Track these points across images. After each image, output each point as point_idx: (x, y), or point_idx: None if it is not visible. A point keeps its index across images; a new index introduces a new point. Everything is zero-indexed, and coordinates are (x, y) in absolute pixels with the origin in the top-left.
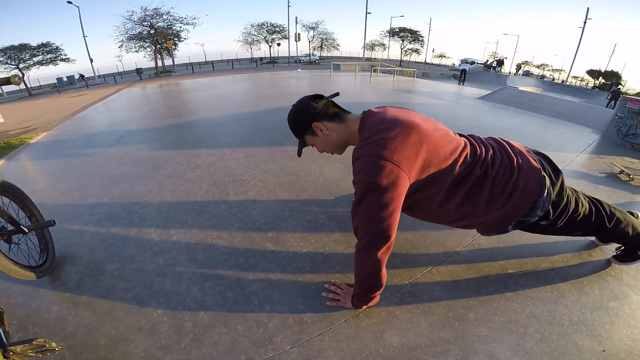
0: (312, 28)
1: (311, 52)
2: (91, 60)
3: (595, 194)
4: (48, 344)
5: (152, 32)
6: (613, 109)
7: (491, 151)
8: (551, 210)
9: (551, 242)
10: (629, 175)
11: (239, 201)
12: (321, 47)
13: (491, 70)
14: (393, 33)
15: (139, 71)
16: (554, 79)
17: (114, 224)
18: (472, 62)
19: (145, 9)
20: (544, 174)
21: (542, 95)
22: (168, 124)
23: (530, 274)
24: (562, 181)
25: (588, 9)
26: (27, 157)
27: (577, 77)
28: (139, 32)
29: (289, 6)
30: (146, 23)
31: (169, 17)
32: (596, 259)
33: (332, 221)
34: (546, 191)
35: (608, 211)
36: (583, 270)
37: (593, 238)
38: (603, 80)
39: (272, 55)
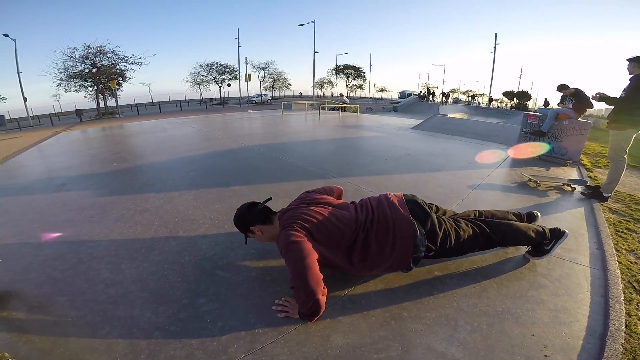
0: (263, 68)
1: (262, 92)
2: (25, 99)
3: (506, 203)
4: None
5: (94, 70)
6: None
7: (370, 214)
8: (430, 245)
9: None
10: (536, 182)
11: (188, 237)
12: (273, 86)
13: (424, 100)
14: (338, 70)
15: (78, 112)
16: (478, 103)
17: (61, 262)
18: (409, 94)
19: (89, 46)
20: (414, 221)
21: (465, 120)
22: (113, 170)
23: (454, 275)
24: (432, 221)
25: (496, 34)
26: None
27: (497, 100)
28: (80, 70)
29: (239, 47)
30: (88, 61)
31: (114, 56)
32: (511, 255)
33: None
34: (419, 232)
35: (494, 228)
36: (501, 267)
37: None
38: (517, 100)
39: (222, 96)
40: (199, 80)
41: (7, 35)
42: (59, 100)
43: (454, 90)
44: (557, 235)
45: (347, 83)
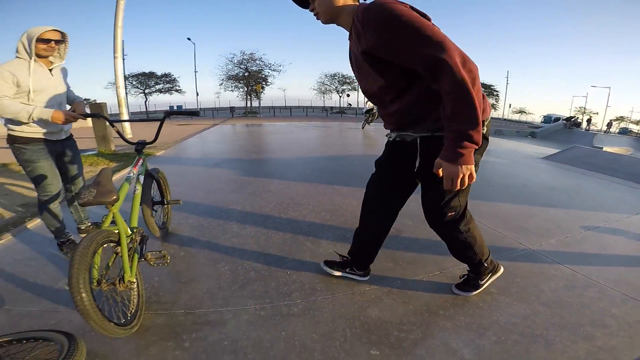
0: None
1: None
2: (197, 94)
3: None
4: (166, 257)
5: (246, 74)
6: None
7: None
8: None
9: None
10: None
11: (294, 216)
12: None
13: (573, 128)
14: None
15: (231, 110)
16: None
17: (208, 216)
18: (557, 119)
19: (244, 53)
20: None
21: (621, 155)
22: (252, 158)
23: (512, 294)
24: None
25: None
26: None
27: None
28: (236, 73)
29: None
30: (242, 66)
31: (261, 63)
32: (582, 290)
33: None
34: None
35: (469, 227)
36: (568, 299)
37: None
38: None
39: (341, 106)
40: (323, 89)
41: (190, 39)
42: (219, 98)
43: (620, 119)
44: (494, 269)
45: None
